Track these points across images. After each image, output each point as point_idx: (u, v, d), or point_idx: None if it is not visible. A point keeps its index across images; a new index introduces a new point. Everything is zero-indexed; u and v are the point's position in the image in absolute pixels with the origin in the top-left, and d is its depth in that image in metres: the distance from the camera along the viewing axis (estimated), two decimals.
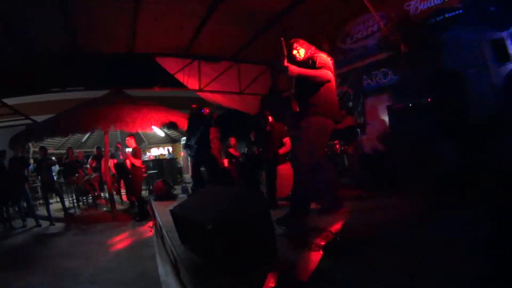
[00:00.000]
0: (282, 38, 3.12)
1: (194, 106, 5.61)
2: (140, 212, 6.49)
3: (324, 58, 3.07)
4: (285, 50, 3.03)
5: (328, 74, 2.98)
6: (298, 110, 3.06)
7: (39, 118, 9.10)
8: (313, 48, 3.27)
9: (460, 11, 4.48)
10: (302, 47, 3.21)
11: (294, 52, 3.16)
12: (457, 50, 4.53)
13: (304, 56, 3.19)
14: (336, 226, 2.54)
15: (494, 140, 3.54)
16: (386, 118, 5.19)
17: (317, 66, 2.97)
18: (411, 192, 3.81)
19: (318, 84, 2.98)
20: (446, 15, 4.82)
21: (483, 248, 1.73)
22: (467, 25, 4.15)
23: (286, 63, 2.94)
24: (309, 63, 3.05)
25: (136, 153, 6.82)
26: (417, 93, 4.91)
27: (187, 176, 10.43)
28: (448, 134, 3.97)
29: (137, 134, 11.65)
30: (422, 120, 4.26)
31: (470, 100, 4.31)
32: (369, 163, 4.80)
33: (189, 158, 6.17)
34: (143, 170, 7.49)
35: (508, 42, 3.60)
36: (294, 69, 2.90)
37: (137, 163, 6.71)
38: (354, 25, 6.44)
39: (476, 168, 3.31)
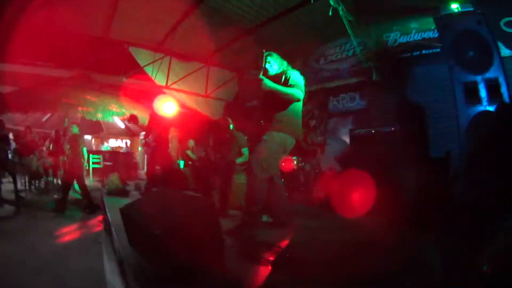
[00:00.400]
0: (264, 50, 3.14)
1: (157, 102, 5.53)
2: (89, 205, 6.28)
3: (297, 76, 3.06)
4: (262, 63, 3.04)
5: (299, 94, 2.96)
6: (261, 122, 3.07)
7: (1, 89, 8.55)
8: (286, 63, 3.27)
9: (437, 50, 4.73)
10: (276, 61, 3.20)
11: (267, 65, 3.13)
12: (427, 86, 4.80)
13: (276, 69, 3.18)
14: (285, 241, 2.60)
15: (449, 175, 3.73)
16: (347, 140, 5.38)
17: (289, 83, 2.95)
18: (364, 214, 3.97)
19: (287, 101, 2.98)
20: (423, 52, 5.09)
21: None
22: (442, 64, 4.30)
23: (261, 75, 2.92)
24: (281, 79, 3.03)
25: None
26: (381, 121, 5.14)
27: (142, 172, 10.23)
28: (406, 164, 4.16)
29: (97, 122, 11.31)
30: (383, 148, 4.45)
31: (433, 135, 4.57)
32: (324, 181, 4.93)
33: (145, 156, 6.06)
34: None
35: (480, 85, 3.73)
36: (267, 83, 2.87)
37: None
38: (330, 47, 6.59)
39: (430, 198, 3.49)
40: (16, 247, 4.10)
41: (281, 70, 3.19)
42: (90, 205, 6.23)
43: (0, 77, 8.70)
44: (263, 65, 3.07)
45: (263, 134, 2.98)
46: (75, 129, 6.65)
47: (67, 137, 7.07)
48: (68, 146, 6.72)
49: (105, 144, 12.70)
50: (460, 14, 3.92)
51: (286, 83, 2.97)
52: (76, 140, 6.53)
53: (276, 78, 3.04)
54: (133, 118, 7.41)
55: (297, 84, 2.97)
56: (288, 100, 2.98)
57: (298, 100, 3.00)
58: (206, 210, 1.95)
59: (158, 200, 2.38)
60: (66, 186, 6.49)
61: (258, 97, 3.25)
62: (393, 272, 1.97)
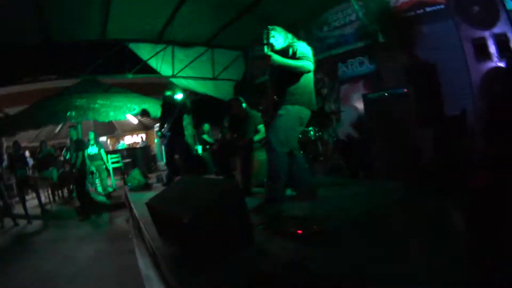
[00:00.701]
0: (267, 27, 3.08)
1: (166, 93, 5.52)
2: (81, 209, 6.44)
3: (304, 47, 3.00)
4: (267, 39, 2.97)
5: (309, 65, 2.91)
6: (274, 97, 3.03)
7: (12, 111, 8.74)
8: (290, 36, 3.21)
9: (441, 6, 4.55)
10: (280, 35, 3.14)
11: (272, 40, 3.05)
12: (436, 44, 4.64)
13: (281, 43, 3.12)
14: (311, 214, 2.61)
15: (466, 132, 3.65)
16: (361, 106, 5.29)
17: (297, 56, 2.90)
18: (386, 180, 3.93)
19: (297, 74, 2.94)
20: (427, 9, 4.89)
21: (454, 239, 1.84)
22: (446, 21, 4.21)
23: (268, 52, 2.87)
24: (289, 52, 2.98)
25: None
26: (393, 83, 5.02)
27: (161, 164, 10.32)
28: (422, 125, 4.08)
29: (110, 122, 11.43)
30: (398, 110, 4.36)
31: (447, 93, 4.45)
32: (343, 150, 4.89)
33: (163, 146, 6.10)
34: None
35: (489, 41, 3.61)
36: (276, 58, 2.84)
37: None
38: (332, 13, 6.42)
39: (449, 158, 3.43)
40: (48, 260, 4.29)
41: (287, 43, 3.13)
42: (82, 210, 6.37)
43: (6, 101, 8.99)
44: (268, 40, 2.99)
45: (278, 109, 2.95)
46: (72, 133, 6.75)
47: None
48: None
49: (121, 142, 12.83)
50: None
51: (294, 56, 2.92)
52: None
53: (283, 52, 2.99)
54: (145, 113, 7.44)
55: (306, 56, 2.91)
56: (299, 73, 2.93)
57: (309, 71, 2.96)
58: (230, 192, 1.93)
59: (182, 188, 2.38)
60: (78, 192, 6.65)
61: (268, 73, 3.17)
62: (418, 237, 1.95)
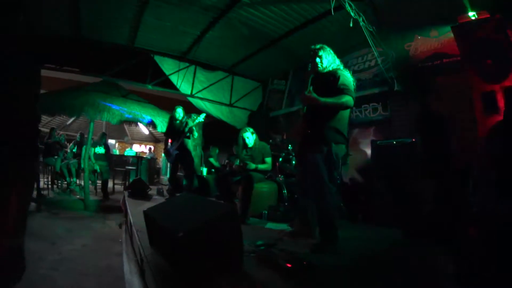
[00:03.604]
0: (321, 47, 2.93)
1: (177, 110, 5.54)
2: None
3: (347, 78, 2.77)
4: (308, 84, 2.79)
5: (351, 102, 2.68)
6: (309, 131, 2.84)
7: None
8: (338, 61, 2.99)
9: (457, 58, 4.60)
10: (328, 57, 2.93)
11: (317, 60, 2.88)
12: (448, 95, 4.70)
13: (326, 66, 2.91)
14: (307, 251, 2.60)
15: (469, 187, 3.64)
16: (368, 151, 5.33)
17: (338, 85, 2.70)
18: (385, 225, 3.94)
19: (336, 110, 2.76)
20: (443, 60, 4.98)
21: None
22: (461, 73, 4.25)
23: (308, 94, 2.70)
24: (329, 78, 2.78)
25: None
26: (403, 132, 5.08)
27: (165, 178, 10.38)
28: (427, 175, 4.08)
29: (122, 127, 11.60)
30: (404, 159, 4.39)
31: (453, 145, 4.48)
32: (345, 192, 4.89)
33: (168, 163, 6.14)
34: None
35: (498, 95, 3.60)
36: (318, 100, 2.64)
37: None
38: (352, 57, 6.57)
39: (451, 210, 3.42)
40: (36, 242, 4.16)
41: (330, 67, 2.92)
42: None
43: None
44: (314, 59, 2.84)
45: (312, 143, 2.80)
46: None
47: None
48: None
49: (131, 148, 12.96)
50: (477, 21, 3.79)
51: (334, 84, 2.71)
52: None
53: (324, 77, 2.82)
54: (152, 124, 7.56)
55: (348, 89, 2.70)
56: (338, 109, 2.75)
57: (349, 108, 2.78)
58: (228, 215, 1.96)
59: (182, 204, 2.42)
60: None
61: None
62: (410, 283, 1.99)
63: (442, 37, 5.03)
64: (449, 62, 4.89)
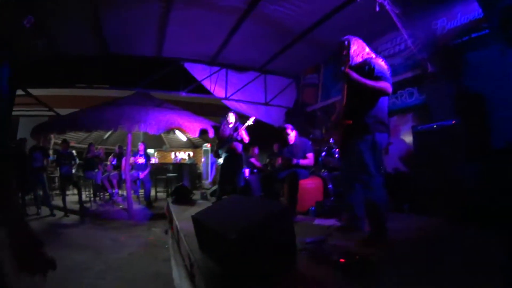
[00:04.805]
0: (346, 38, 2.85)
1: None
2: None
3: (382, 66, 2.68)
4: (346, 52, 2.76)
5: (388, 88, 2.60)
6: (350, 122, 2.73)
7: (62, 111, 9.46)
8: (368, 49, 2.88)
9: (486, 31, 4.38)
10: (358, 48, 2.84)
11: (345, 53, 2.80)
12: (483, 72, 4.44)
13: (357, 57, 2.81)
14: (358, 245, 2.54)
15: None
16: (409, 138, 5.15)
17: (374, 75, 2.62)
18: (432, 214, 3.79)
19: (375, 97, 2.69)
20: (472, 35, 4.72)
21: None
22: (492, 47, 4.05)
23: (346, 69, 2.66)
24: (365, 68, 2.69)
25: None
26: (443, 114, 4.84)
27: (206, 182, 10.58)
28: (470, 158, 3.88)
29: (159, 136, 11.93)
30: (446, 143, 4.20)
31: (494, 124, 4.23)
32: (389, 183, 4.73)
33: (210, 165, 6.23)
34: None
35: None
36: (354, 77, 2.60)
37: None
38: (382, 42, 6.39)
39: (496, 192, 3.24)
40: (80, 252, 4.34)
41: (363, 59, 2.82)
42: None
43: (58, 101, 9.71)
44: (346, 52, 2.75)
45: (354, 133, 2.73)
46: None
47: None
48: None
49: (177, 156, 13.42)
50: None
51: (370, 75, 2.63)
52: None
53: (358, 69, 2.71)
54: (203, 132, 7.75)
55: (383, 77, 2.61)
56: (376, 95, 2.68)
57: (387, 95, 2.67)
58: (279, 214, 1.93)
59: (230, 206, 2.41)
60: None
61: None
62: (460, 271, 1.93)
63: (467, 10, 4.78)
64: (478, 36, 4.62)
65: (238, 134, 5.20)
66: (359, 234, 2.84)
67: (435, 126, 4.47)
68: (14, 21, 4.87)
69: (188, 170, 10.95)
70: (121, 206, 7.72)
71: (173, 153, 14.09)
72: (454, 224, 3.35)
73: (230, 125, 5.41)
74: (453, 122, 4.25)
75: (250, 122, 5.29)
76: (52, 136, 8.78)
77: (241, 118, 5.61)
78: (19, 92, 7.38)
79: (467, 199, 3.48)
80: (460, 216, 3.34)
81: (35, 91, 8.24)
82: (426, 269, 2.02)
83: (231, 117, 5.44)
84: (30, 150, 7.12)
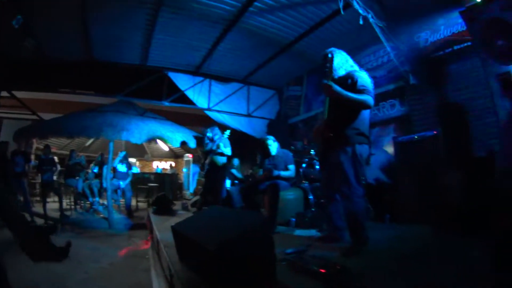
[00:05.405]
0: (329, 51, 2.83)
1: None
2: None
3: (365, 79, 2.71)
4: (329, 65, 2.71)
5: (371, 101, 2.62)
6: (331, 134, 2.73)
7: (45, 116, 9.21)
8: (351, 62, 2.93)
9: (469, 43, 4.51)
10: (341, 60, 2.86)
11: (328, 65, 2.74)
12: (464, 82, 4.60)
13: (340, 70, 2.85)
14: (339, 255, 2.55)
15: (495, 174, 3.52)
16: (391, 149, 5.24)
17: (357, 88, 2.63)
18: (413, 223, 3.85)
19: (356, 110, 2.71)
20: (454, 48, 4.86)
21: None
22: (474, 58, 4.19)
23: (328, 82, 2.62)
24: (347, 81, 2.71)
25: None
26: (424, 125, 4.97)
27: (187, 193, 10.46)
28: (451, 168, 3.96)
29: (141, 146, 11.78)
30: (427, 153, 4.28)
31: (475, 133, 4.35)
32: (371, 193, 4.79)
33: (191, 176, 6.23)
34: None
35: None
36: (337, 89, 2.58)
37: None
38: (364, 55, 6.50)
39: (479, 201, 3.32)
40: (61, 263, 4.24)
41: (345, 72, 2.86)
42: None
43: (42, 105, 9.52)
44: (331, 67, 2.72)
45: (335, 145, 2.74)
46: None
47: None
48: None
49: (157, 167, 13.27)
50: (483, 3, 3.63)
51: (353, 87, 2.65)
52: None
53: (341, 81, 2.72)
54: (184, 144, 7.69)
55: (366, 89, 2.64)
56: (357, 108, 2.70)
57: (369, 108, 2.70)
58: (259, 225, 1.93)
59: (210, 217, 2.40)
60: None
61: (323, 104, 2.98)
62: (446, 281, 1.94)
63: (450, 24, 4.93)
64: (460, 48, 4.77)
65: (218, 147, 5.27)
66: (340, 244, 2.85)
67: (416, 137, 4.56)
68: (1, 21, 4.80)
69: (169, 180, 10.84)
70: (101, 215, 7.53)
71: (154, 163, 13.96)
72: (435, 233, 3.41)
73: (212, 139, 5.49)
74: (434, 132, 4.35)
75: (225, 135, 5.42)
76: (34, 140, 8.55)
77: (223, 129, 5.66)
78: (4, 93, 7.20)
79: (448, 209, 3.53)
80: (442, 225, 3.40)
81: (19, 94, 8.05)
82: (406, 278, 2.04)
83: (211, 132, 5.54)
84: (11, 154, 6.90)
